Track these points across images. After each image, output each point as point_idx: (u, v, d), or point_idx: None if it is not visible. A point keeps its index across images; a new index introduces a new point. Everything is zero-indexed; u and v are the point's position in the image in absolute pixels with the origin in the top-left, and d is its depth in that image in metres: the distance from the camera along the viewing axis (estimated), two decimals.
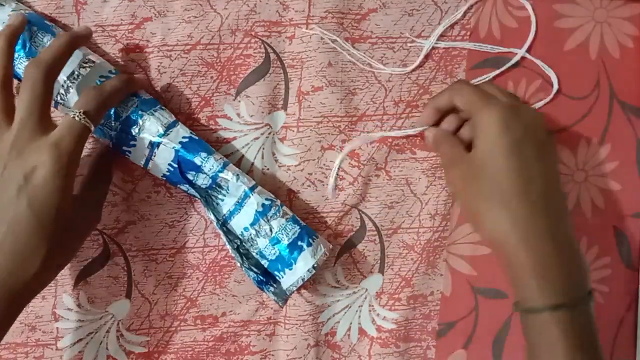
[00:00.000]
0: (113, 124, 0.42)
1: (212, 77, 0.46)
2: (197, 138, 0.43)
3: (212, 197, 0.43)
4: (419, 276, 0.48)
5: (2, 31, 0.39)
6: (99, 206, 0.43)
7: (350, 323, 0.48)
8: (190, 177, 0.43)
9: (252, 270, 0.43)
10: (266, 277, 0.43)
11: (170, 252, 0.46)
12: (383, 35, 0.47)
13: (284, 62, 0.47)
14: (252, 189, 0.43)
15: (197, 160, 0.42)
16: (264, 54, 0.47)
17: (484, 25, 0.48)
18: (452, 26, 0.48)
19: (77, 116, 0.38)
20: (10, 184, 0.36)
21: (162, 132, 0.42)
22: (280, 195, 0.47)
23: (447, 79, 0.48)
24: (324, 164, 0.47)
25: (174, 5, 0.46)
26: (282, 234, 0.42)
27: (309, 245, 0.43)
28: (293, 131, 0.47)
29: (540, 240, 0.39)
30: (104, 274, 0.45)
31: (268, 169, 0.47)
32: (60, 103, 0.42)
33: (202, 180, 0.43)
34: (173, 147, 0.42)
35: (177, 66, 0.46)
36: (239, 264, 0.43)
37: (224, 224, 0.43)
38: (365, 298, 0.48)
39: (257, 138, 0.47)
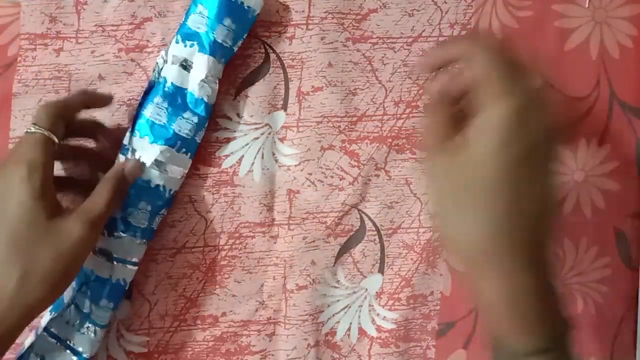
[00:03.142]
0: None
1: None
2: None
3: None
4: (418, 276, 0.48)
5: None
6: (94, 226, 0.39)
7: (350, 323, 0.48)
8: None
9: None
10: None
11: (170, 252, 0.46)
12: (384, 35, 0.47)
13: (284, 62, 0.47)
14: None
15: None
16: (264, 54, 0.47)
17: (484, 25, 0.48)
18: (452, 26, 0.48)
19: (34, 128, 0.38)
20: None
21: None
22: (280, 195, 0.47)
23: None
24: (324, 164, 0.47)
25: (174, 5, 0.46)
26: None
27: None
28: (293, 131, 0.47)
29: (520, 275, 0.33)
30: None
31: (268, 169, 0.47)
32: None
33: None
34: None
35: None
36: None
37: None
38: (365, 298, 0.48)
39: (257, 138, 0.47)
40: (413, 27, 0.48)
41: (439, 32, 0.48)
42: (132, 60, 0.46)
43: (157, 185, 0.43)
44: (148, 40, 0.46)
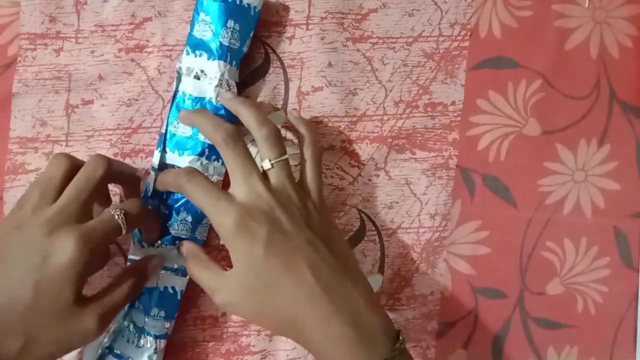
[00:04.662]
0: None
1: None
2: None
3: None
4: (418, 276, 0.48)
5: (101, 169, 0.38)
6: (107, 321, 0.39)
7: None
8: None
9: None
10: None
11: None
12: (384, 35, 0.47)
13: (284, 62, 0.47)
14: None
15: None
16: (263, 54, 0.47)
17: (484, 25, 0.48)
18: (452, 26, 0.48)
19: (117, 214, 0.37)
20: (29, 256, 0.35)
21: None
22: None
23: (447, 79, 0.48)
24: (324, 164, 0.47)
25: (174, 5, 0.46)
26: None
27: None
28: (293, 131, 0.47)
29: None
30: (104, 274, 0.45)
31: None
32: None
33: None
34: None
35: None
36: None
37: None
38: None
39: None
40: (413, 27, 0.48)
41: (439, 32, 0.48)
42: (132, 60, 0.46)
43: None
44: (148, 40, 0.46)
